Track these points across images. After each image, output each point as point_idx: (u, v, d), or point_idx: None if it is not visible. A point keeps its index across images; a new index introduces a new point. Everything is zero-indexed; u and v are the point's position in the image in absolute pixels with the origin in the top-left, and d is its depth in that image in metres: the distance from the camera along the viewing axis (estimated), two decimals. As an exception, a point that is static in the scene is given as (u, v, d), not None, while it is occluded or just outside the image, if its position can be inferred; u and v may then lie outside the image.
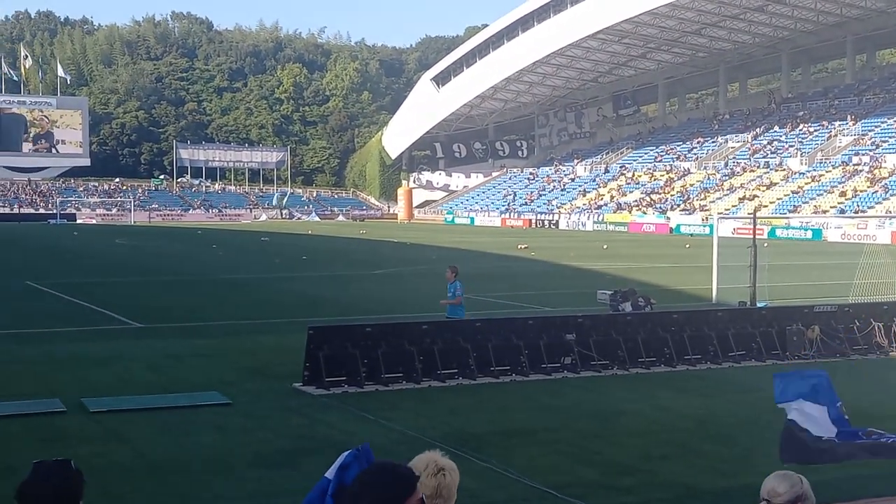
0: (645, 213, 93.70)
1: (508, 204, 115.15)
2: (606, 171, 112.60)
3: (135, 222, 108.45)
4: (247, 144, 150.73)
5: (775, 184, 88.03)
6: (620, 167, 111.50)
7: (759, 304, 22.99)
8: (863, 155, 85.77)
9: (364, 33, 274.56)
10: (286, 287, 33.20)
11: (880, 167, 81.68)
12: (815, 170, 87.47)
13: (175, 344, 20.21)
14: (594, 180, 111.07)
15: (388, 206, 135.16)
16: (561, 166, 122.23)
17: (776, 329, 19.04)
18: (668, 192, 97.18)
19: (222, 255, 51.58)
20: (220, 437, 12.46)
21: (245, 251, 55.09)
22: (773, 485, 3.99)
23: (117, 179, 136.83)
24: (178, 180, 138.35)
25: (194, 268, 42.25)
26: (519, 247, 57.79)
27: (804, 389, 6.40)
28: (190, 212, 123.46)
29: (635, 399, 15.09)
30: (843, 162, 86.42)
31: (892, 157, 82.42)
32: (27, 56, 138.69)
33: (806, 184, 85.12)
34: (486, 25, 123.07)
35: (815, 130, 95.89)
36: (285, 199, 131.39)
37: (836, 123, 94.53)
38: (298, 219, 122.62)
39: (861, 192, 78.93)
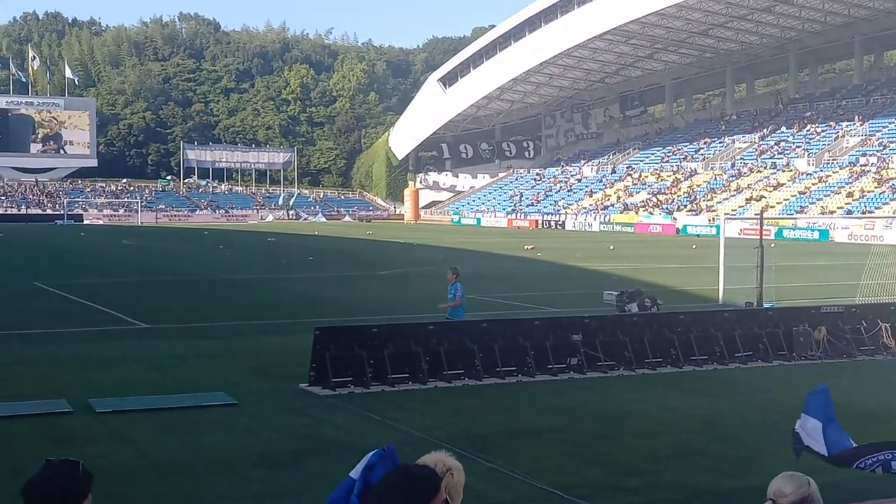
0: (651, 213, 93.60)
1: (515, 205, 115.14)
2: (613, 171, 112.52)
3: (142, 223, 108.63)
4: (254, 145, 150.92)
5: (782, 184, 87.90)
6: (627, 168, 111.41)
7: (765, 305, 22.93)
8: (870, 156, 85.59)
9: (371, 34, 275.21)
10: (292, 287, 33.22)
11: (888, 168, 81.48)
12: (822, 170, 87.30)
13: (180, 344, 20.23)
14: (601, 181, 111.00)
15: (395, 207, 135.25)
16: (567, 167, 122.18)
17: (783, 330, 19.00)
18: (675, 193, 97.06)
19: (229, 255, 51.64)
20: (226, 437, 12.45)
21: (251, 252, 55.14)
22: (779, 485, 3.98)
23: (124, 180, 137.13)
24: (185, 181, 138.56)
25: (200, 268, 42.30)
26: (525, 247, 57.76)
27: (810, 404, 6.32)
28: (197, 212, 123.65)
29: (641, 400, 15.06)
30: (850, 162, 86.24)
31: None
32: (35, 57, 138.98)
33: (813, 184, 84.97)
34: (493, 26, 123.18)
35: (823, 131, 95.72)
36: (292, 199, 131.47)
37: (844, 124, 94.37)
38: (305, 219, 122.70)
39: (868, 192, 78.76)
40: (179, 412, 13.88)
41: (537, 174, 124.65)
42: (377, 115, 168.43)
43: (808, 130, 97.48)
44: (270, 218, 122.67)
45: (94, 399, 14.37)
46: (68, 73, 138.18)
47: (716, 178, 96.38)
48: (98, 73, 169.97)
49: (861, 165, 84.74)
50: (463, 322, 18.21)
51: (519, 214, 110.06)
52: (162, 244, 62.88)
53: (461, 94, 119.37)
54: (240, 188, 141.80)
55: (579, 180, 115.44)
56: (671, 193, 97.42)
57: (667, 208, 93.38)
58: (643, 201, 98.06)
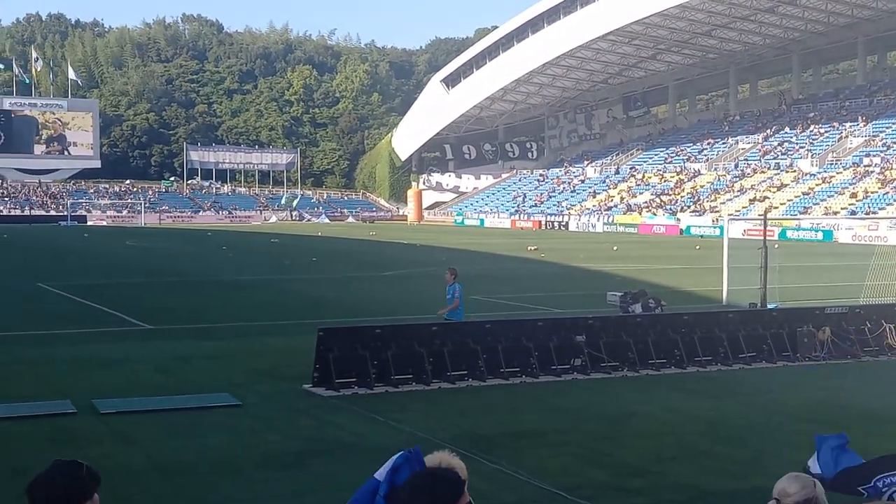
0: (655, 214, 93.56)
1: (518, 205, 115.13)
2: (616, 172, 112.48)
3: (145, 224, 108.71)
4: (257, 146, 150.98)
5: (786, 185, 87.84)
6: (630, 168, 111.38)
7: (769, 306, 22.91)
8: (874, 156, 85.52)
9: (374, 35, 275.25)
10: (295, 288, 33.23)
11: (891, 168, 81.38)
12: (825, 171, 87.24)
13: (184, 345, 20.24)
14: (604, 182, 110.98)
15: (398, 208, 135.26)
16: (571, 168, 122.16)
17: (787, 331, 18.98)
18: (679, 194, 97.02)
19: (232, 256, 51.67)
20: (230, 438, 12.45)
21: (255, 253, 55.16)
22: (784, 485, 3.99)
23: (128, 181, 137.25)
24: (189, 182, 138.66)
25: (203, 269, 42.35)
26: (529, 248, 57.75)
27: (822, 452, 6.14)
28: (200, 213, 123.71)
29: (645, 401, 15.05)
30: (854, 163, 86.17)
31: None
32: (38, 58, 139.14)
33: (817, 185, 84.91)
34: (496, 27, 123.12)
35: (826, 132, 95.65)
36: (296, 200, 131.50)
37: (847, 125, 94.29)
38: (308, 220, 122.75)
39: (872, 193, 78.68)
40: (183, 413, 13.88)
41: (540, 175, 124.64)
42: (380, 116, 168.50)
43: (811, 131, 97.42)
44: (274, 219, 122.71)
45: (97, 400, 14.38)
46: (71, 74, 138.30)
47: (719, 179, 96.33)
48: (101, 75, 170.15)
49: (865, 166, 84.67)
50: (466, 323, 18.20)
51: (522, 215, 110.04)
52: (165, 245, 62.93)
53: (464, 95, 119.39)
54: (243, 189, 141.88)
55: (583, 181, 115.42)
56: (675, 194, 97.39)
57: (670, 209, 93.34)
58: (647, 202, 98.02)
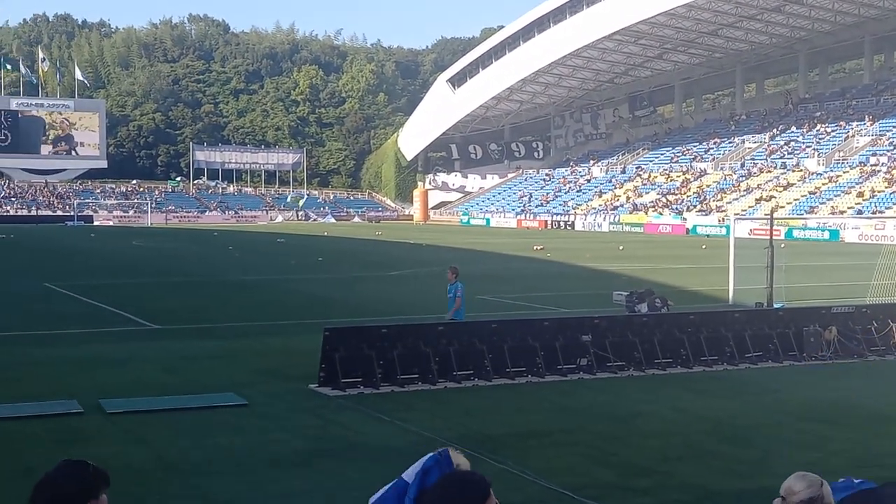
0: (661, 214, 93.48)
1: (524, 205, 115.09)
2: (622, 172, 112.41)
3: (151, 224, 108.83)
4: (263, 146, 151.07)
5: (792, 184, 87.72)
6: (636, 168, 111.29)
7: (776, 305, 22.89)
8: (880, 155, 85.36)
9: (380, 35, 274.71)
10: (301, 288, 33.26)
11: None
12: (832, 170, 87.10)
13: (190, 345, 20.28)
14: (610, 181, 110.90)
15: (404, 208, 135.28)
16: (577, 167, 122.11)
17: (793, 330, 18.95)
18: (685, 193, 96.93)
19: (238, 256, 51.73)
20: (237, 438, 12.48)
21: (261, 253, 55.21)
22: (791, 483, 4.01)
23: (134, 181, 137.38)
24: (195, 182, 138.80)
25: (209, 269, 42.40)
26: (535, 248, 57.74)
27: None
28: (206, 213, 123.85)
29: (652, 400, 15.04)
30: (860, 162, 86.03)
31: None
32: (45, 59, 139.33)
33: (823, 184, 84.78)
34: (502, 27, 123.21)
35: (833, 131, 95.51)
36: (302, 201, 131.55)
37: (854, 124, 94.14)
38: (314, 220, 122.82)
39: (879, 192, 78.54)
40: (190, 413, 13.91)
41: (546, 175, 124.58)
42: (386, 116, 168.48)
43: (818, 130, 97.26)
44: (280, 219, 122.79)
45: (104, 400, 14.41)
46: (78, 74, 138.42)
47: (725, 179, 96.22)
48: (108, 75, 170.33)
49: (871, 165, 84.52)
50: (472, 323, 18.21)
51: (528, 215, 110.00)
52: (172, 245, 63.01)
53: (470, 95, 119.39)
54: (249, 189, 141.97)
55: (588, 181, 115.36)
56: (681, 194, 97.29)
57: (676, 209, 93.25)
58: (653, 202, 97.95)
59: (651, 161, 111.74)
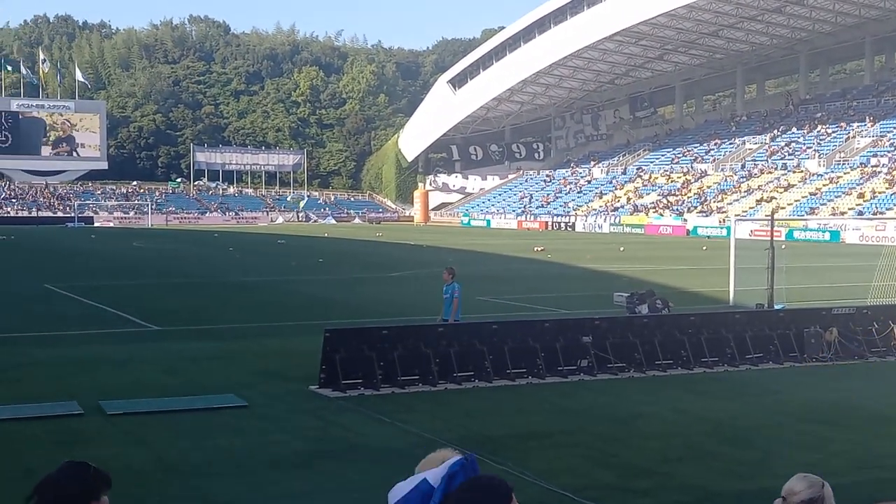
0: (662, 215, 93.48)
1: (525, 206, 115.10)
2: (623, 173, 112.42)
3: (152, 225, 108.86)
4: (263, 147, 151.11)
5: (793, 185, 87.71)
6: (637, 169, 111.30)
7: (776, 307, 22.89)
8: (881, 156, 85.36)
9: (380, 36, 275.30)
10: (301, 289, 33.26)
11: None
12: (833, 171, 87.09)
13: (190, 347, 20.27)
14: (611, 182, 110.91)
15: (405, 209, 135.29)
16: (577, 168, 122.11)
17: (794, 331, 18.95)
18: (685, 194, 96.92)
19: (239, 257, 51.73)
20: (237, 439, 12.47)
21: (261, 254, 55.21)
22: (792, 484, 4.03)
23: (135, 183, 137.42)
24: (195, 183, 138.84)
25: (210, 271, 42.41)
26: (535, 249, 57.74)
27: None
28: (207, 215, 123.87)
29: (652, 402, 15.04)
30: (861, 163, 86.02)
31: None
32: (45, 60, 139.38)
33: (824, 185, 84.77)
34: (503, 28, 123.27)
35: (834, 132, 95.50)
36: (303, 202, 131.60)
37: (855, 125, 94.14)
38: (315, 221, 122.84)
39: (879, 193, 78.54)
40: (190, 414, 13.91)
41: (547, 176, 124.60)
42: (387, 117, 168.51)
43: (818, 131, 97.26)
44: (280, 220, 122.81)
45: (104, 401, 14.41)
46: (79, 75, 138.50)
47: (726, 180, 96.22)
48: (108, 76, 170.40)
49: (872, 166, 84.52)
50: (473, 324, 18.21)
51: (529, 216, 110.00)
52: (172, 246, 63.01)
53: (471, 96, 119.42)
54: (250, 190, 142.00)
55: (589, 182, 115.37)
56: (681, 195, 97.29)
57: (677, 210, 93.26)
58: (653, 203, 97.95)
59: (652, 162, 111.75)
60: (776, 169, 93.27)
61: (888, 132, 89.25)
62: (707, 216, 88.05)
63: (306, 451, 11.88)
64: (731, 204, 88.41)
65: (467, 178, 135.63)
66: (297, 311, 26.75)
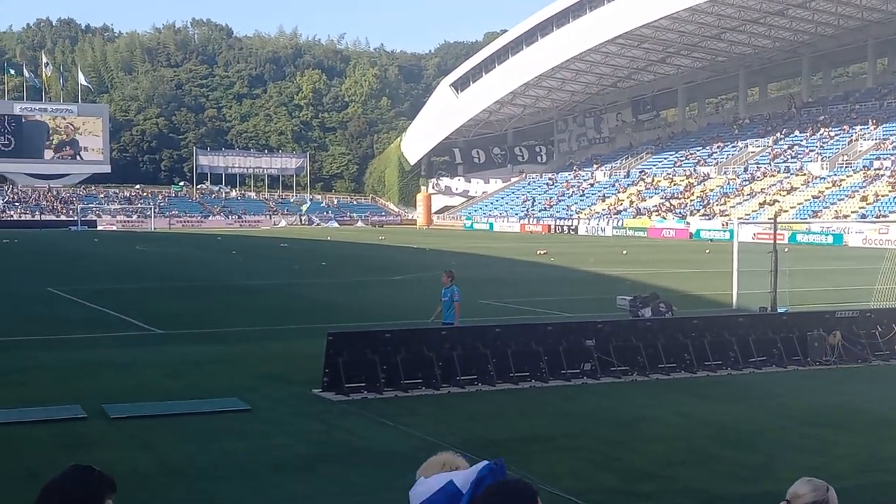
0: (665, 218, 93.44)
1: (527, 209, 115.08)
2: (626, 176, 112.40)
3: (155, 229, 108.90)
4: (266, 151, 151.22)
5: (796, 188, 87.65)
6: (640, 172, 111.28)
7: (779, 310, 22.87)
8: (884, 159, 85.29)
9: (383, 39, 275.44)
10: (304, 293, 33.25)
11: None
12: (835, 174, 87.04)
13: (193, 350, 20.28)
14: (613, 185, 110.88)
15: (407, 212, 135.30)
16: (580, 172, 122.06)
17: (797, 335, 18.94)
18: (688, 197, 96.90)
19: (242, 261, 51.75)
20: (240, 443, 12.48)
21: (264, 257, 55.23)
22: (796, 488, 4.04)
23: (137, 186, 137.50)
24: (198, 187, 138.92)
25: (213, 274, 42.42)
26: (538, 252, 57.72)
27: None
28: (210, 218, 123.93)
29: (655, 405, 15.03)
30: (864, 166, 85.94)
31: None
32: (48, 63, 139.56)
33: (827, 188, 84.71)
34: (506, 31, 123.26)
35: (836, 135, 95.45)
36: (305, 206, 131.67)
37: (858, 128, 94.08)
38: (318, 225, 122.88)
39: (882, 196, 78.47)
40: (193, 418, 13.91)
41: (550, 179, 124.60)
42: (389, 121, 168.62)
43: (821, 134, 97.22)
44: (283, 223, 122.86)
45: (108, 405, 14.42)
46: (82, 79, 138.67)
47: (729, 183, 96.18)
48: (111, 80, 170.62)
49: (875, 169, 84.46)
50: (476, 327, 18.20)
51: (531, 219, 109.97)
52: (175, 250, 63.03)
53: (473, 99, 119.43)
54: (252, 194, 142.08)
55: (592, 185, 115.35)
56: (684, 198, 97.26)
57: (680, 213, 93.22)
58: (656, 206, 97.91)
59: (654, 165, 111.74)
60: (779, 172, 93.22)
61: (891, 135, 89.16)
62: (710, 219, 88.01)
63: (309, 455, 11.88)
64: (733, 207, 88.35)
65: (470, 182, 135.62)
66: (300, 314, 26.76)
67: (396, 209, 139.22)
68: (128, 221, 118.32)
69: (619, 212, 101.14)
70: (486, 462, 3.70)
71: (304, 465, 11.42)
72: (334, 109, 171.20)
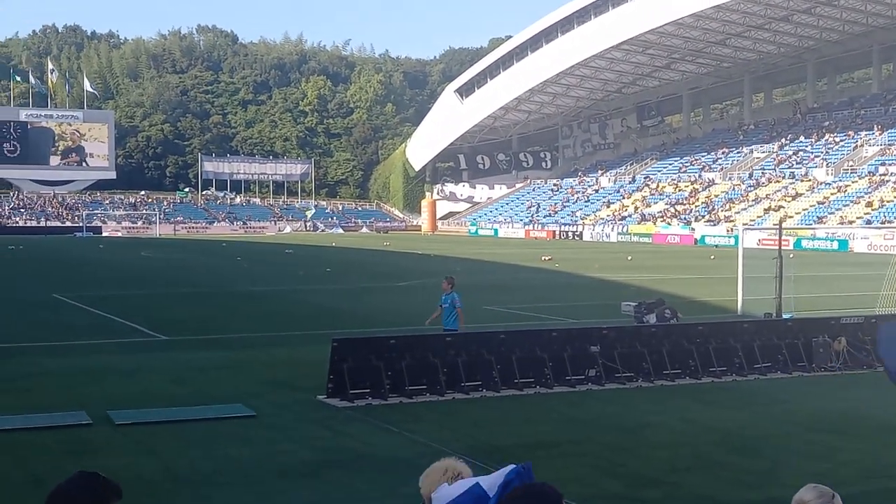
0: (669, 224, 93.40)
1: (532, 215, 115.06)
2: (631, 182, 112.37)
3: (160, 235, 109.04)
4: (271, 157, 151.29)
5: (801, 194, 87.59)
6: (645, 178, 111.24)
7: (784, 316, 22.85)
8: (889, 165, 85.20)
9: (388, 45, 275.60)
10: (309, 299, 33.27)
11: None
12: (840, 180, 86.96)
13: (198, 356, 20.29)
14: (618, 191, 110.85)
15: (412, 218, 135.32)
16: (585, 177, 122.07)
17: (802, 341, 18.92)
18: (693, 203, 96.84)
19: (247, 267, 51.79)
20: (245, 449, 12.48)
21: (269, 264, 55.28)
22: (802, 494, 4.04)
23: (143, 192, 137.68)
24: (203, 193, 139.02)
25: (218, 280, 42.45)
26: (543, 258, 57.71)
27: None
28: (215, 224, 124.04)
29: (660, 411, 15.02)
30: (869, 172, 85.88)
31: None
32: (54, 70, 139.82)
33: (832, 194, 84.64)
34: (510, 37, 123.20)
35: (841, 140, 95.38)
36: (310, 212, 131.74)
37: (863, 133, 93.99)
38: (322, 231, 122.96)
39: (888, 202, 78.38)
40: (198, 424, 13.92)
41: (554, 185, 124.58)
42: (394, 127, 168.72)
43: (826, 140, 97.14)
44: (288, 230, 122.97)
45: (113, 411, 14.43)
46: (87, 85, 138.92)
47: (734, 189, 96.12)
48: (116, 86, 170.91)
49: (880, 175, 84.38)
50: (481, 333, 18.19)
51: (536, 225, 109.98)
52: (180, 256, 63.11)
53: (478, 105, 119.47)
54: (257, 200, 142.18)
55: (596, 191, 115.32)
56: (689, 204, 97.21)
57: (685, 218, 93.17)
58: (661, 212, 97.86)
59: (659, 171, 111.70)
60: (784, 178, 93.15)
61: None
62: (715, 225, 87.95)
63: (314, 461, 11.89)
64: (738, 213, 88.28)
65: (475, 188, 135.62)
66: (304, 320, 26.77)
67: (401, 215, 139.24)
68: (133, 228, 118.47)
69: (623, 218, 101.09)
70: (513, 466, 3.71)
71: (308, 471, 11.42)
72: (339, 115, 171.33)
